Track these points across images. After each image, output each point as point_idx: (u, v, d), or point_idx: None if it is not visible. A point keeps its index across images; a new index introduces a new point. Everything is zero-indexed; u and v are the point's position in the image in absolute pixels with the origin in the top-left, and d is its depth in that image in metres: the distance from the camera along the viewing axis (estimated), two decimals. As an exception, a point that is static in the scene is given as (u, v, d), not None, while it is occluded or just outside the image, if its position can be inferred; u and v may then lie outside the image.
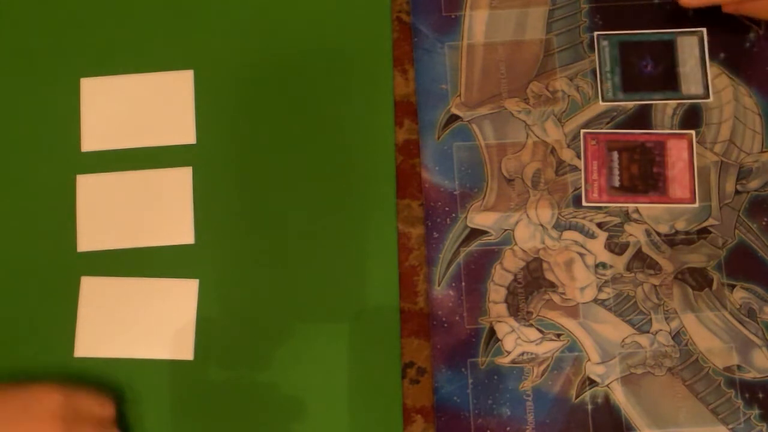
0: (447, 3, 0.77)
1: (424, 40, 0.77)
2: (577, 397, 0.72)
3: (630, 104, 0.76)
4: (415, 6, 0.78)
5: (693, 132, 0.75)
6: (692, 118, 0.75)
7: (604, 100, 0.76)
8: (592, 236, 0.74)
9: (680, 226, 0.74)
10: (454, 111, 0.76)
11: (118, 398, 0.72)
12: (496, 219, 0.75)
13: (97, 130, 0.77)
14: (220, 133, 0.76)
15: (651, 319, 0.73)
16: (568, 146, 0.75)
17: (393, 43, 0.77)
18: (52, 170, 0.76)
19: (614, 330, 0.73)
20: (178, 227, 0.75)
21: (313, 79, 0.77)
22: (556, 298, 0.73)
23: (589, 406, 0.72)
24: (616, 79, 0.76)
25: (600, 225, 0.74)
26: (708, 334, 0.72)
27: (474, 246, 0.74)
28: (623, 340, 0.73)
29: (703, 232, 0.74)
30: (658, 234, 0.74)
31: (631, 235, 0.74)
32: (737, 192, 0.74)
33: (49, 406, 0.66)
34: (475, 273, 0.74)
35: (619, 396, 0.72)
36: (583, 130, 0.76)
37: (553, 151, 0.75)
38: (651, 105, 0.75)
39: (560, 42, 0.77)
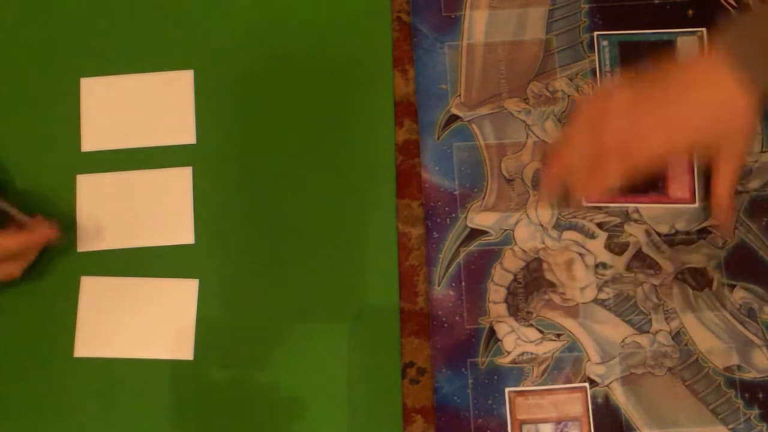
0: (447, 3, 0.77)
1: (424, 40, 0.77)
2: (577, 397, 0.72)
3: (630, 104, 0.75)
4: (415, 6, 0.78)
5: (693, 132, 0.75)
6: (692, 118, 0.75)
7: (604, 100, 0.76)
8: (592, 236, 0.74)
9: (680, 226, 0.74)
10: (454, 111, 0.76)
11: (118, 398, 0.72)
12: (496, 219, 0.75)
13: (97, 130, 0.77)
14: (220, 133, 0.76)
15: (651, 319, 0.73)
16: (568, 146, 0.75)
17: (393, 43, 0.77)
18: (52, 170, 0.76)
19: (614, 330, 0.73)
20: (178, 227, 0.75)
21: (313, 79, 0.77)
22: (556, 298, 0.73)
23: (590, 406, 0.72)
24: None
25: (600, 225, 0.74)
26: (708, 334, 0.72)
27: (474, 246, 0.74)
28: (623, 340, 0.73)
29: (703, 232, 0.74)
30: (658, 234, 0.74)
31: (631, 235, 0.74)
32: (737, 192, 0.74)
33: None
34: (475, 273, 0.74)
35: (619, 396, 0.72)
36: (583, 130, 0.75)
37: (553, 151, 0.75)
38: (651, 105, 0.75)
39: (560, 42, 0.77)
